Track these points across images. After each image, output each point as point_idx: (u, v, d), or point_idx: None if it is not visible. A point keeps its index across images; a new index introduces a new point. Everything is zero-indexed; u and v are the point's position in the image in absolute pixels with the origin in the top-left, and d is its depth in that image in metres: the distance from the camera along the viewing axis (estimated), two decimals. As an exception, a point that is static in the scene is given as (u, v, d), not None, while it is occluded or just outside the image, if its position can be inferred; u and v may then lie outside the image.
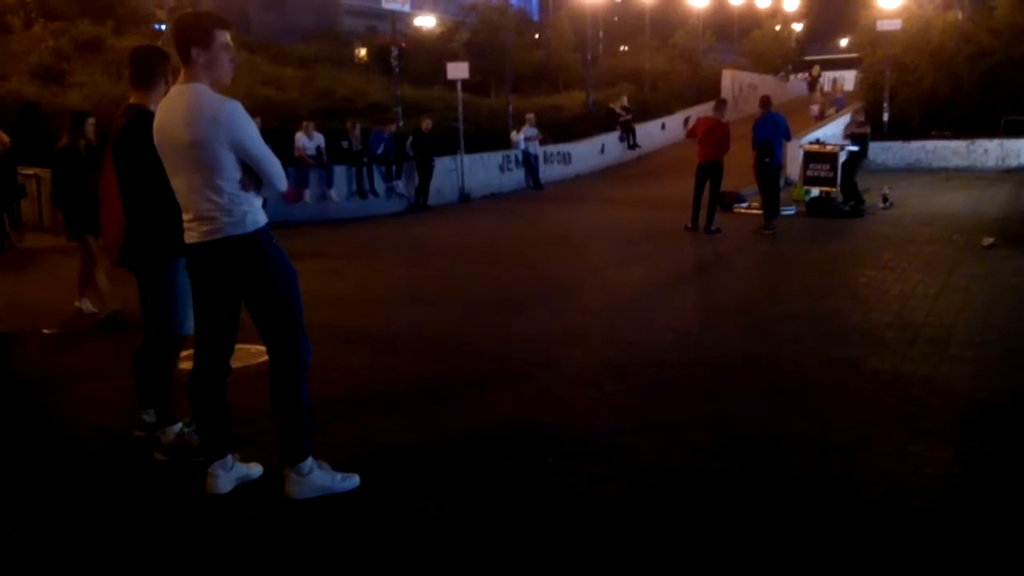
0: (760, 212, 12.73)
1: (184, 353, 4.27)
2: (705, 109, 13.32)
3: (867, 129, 15.17)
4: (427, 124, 16.61)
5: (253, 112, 3.59)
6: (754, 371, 5.61)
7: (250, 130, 3.51)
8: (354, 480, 3.83)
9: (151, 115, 3.91)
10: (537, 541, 3.35)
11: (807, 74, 36.93)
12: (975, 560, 3.18)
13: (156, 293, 4.21)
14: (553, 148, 21.80)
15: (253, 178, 3.55)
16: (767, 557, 3.20)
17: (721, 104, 12.93)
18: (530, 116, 20.28)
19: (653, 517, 3.54)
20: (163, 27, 22.48)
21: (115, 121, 4.21)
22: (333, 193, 15.36)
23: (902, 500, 3.61)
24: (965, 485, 3.80)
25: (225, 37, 3.57)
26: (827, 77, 36.10)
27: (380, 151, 16.04)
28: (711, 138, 12.18)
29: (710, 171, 12.23)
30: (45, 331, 7.09)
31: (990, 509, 3.56)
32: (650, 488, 3.81)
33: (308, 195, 15.01)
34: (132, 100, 4.20)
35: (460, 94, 18.24)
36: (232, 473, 3.83)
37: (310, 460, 3.74)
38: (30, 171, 13.73)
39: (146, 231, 4.10)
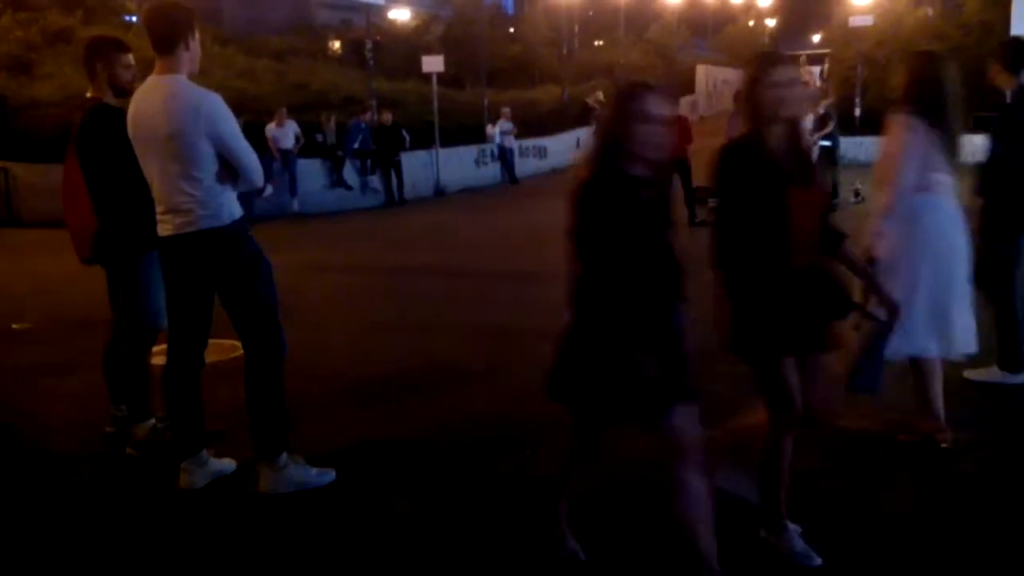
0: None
1: (157, 348, 4.22)
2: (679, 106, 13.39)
3: (829, 124, 14.76)
4: (387, 117, 16.44)
5: (229, 106, 3.55)
6: (737, 362, 5.61)
7: (230, 123, 3.49)
8: (329, 475, 3.81)
9: (110, 109, 3.89)
10: (515, 534, 3.35)
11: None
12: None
13: (128, 287, 4.16)
14: (529, 142, 21.78)
15: (229, 171, 3.52)
16: (754, 545, 3.22)
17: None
18: (505, 110, 20.27)
19: (633, 511, 3.54)
20: (134, 19, 22.20)
21: (75, 116, 4.14)
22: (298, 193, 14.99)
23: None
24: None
25: None
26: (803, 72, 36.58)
27: (356, 144, 15.91)
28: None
29: (675, 166, 12.11)
30: (15, 327, 6.98)
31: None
32: (630, 482, 3.81)
33: (269, 188, 14.45)
34: (90, 94, 4.13)
35: (435, 87, 18.19)
36: (206, 468, 3.80)
37: (285, 455, 3.72)
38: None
39: (116, 225, 4.05)
